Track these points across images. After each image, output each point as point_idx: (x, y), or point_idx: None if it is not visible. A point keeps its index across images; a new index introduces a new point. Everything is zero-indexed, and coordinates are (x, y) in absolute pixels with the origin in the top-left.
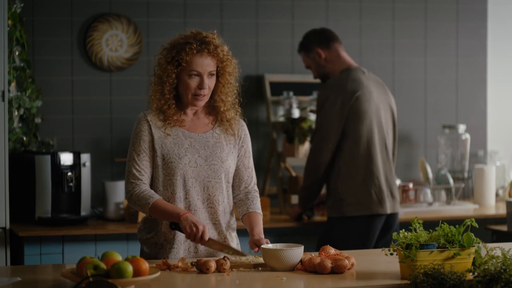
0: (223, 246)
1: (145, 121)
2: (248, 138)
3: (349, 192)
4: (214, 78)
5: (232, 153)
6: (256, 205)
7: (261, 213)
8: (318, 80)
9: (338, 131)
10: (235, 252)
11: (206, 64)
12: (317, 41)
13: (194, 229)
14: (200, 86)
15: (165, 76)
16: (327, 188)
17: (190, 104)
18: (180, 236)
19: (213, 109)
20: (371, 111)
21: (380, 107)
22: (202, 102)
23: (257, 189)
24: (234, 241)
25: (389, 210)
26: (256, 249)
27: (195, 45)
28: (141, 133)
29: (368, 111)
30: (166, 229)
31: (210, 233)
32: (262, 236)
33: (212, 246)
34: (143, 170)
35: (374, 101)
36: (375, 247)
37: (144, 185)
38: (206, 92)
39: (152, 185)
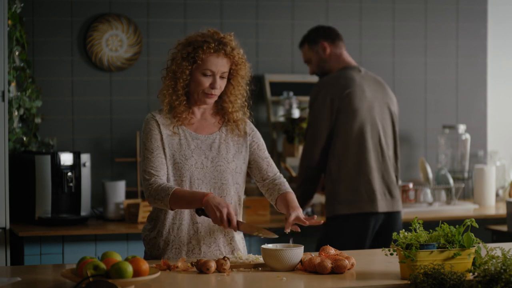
0: (254, 228)
1: (153, 121)
2: (258, 134)
3: (340, 191)
4: (225, 79)
5: (240, 152)
6: (285, 185)
7: (293, 192)
8: (318, 80)
9: (328, 128)
10: (266, 233)
11: (220, 64)
12: (324, 35)
13: (218, 213)
14: (212, 85)
15: (179, 72)
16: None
17: (198, 102)
18: (183, 237)
19: (220, 109)
20: (363, 109)
21: (375, 105)
22: (211, 100)
23: (281, 175)
24: (241, 243)
25: (383, 209)
26: (295, 226)
27: (213, 45)
28: (151, 132)
29: (360, 109)
30: (169, 229)
31: (213, 235)
32: (300, 211)
33: (243, 229)
34: (159, 167)
35: (367, 100)
36: (374, 246)
37: (160, 179)
38: (217, 92)
39: None
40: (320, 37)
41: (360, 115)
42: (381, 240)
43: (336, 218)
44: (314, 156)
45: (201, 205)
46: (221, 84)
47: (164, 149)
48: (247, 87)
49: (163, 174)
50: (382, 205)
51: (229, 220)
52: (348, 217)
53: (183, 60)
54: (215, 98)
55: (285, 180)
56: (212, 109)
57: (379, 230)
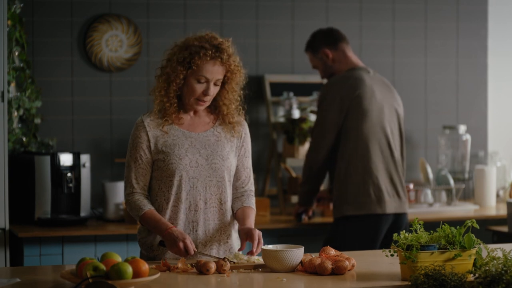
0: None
1: (142, 127)
2: (248, 138)
3: (348, 191)
4: (219, 86)
5: (233, 151)
6: (251, 201)
7: (255, 209)
8: (318, 80)
9: (335, 129)
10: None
11: (216, 72)
12: (325, 41)
13: (176, 248)
14: (205, 92)
15: (173, 76)
16: (331, 188)
17: (189, 107)
18: None
19: (214, 109)
20: (372, 110)
21: (384, 107)
22: (202, 107)
23: (253, 189)
24: (235, 243)
25: (391, 210)
26: (244, 243)
27: (210, 52)
28: (137, 139)
29: (370, 110)
30: None
31: (209, 234)
32: (253, 227)
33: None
34: (139, 178)
35: (377, 101)
36: (382, 247)
37: (137, 194)
38: (209, 99)
39: (154, 187)
40: (321, 43)
41: (370, 116)
42: (388, 242)
43: (344, 218)
44: (318, 157)
45: (162, 237)
46: (214, 91)
47: (152, 155)
48: (241, 92)
49: (142, 186)
50: (390, 207)
51: (188, 252)
52: (357, 218)
53: (178, 64)
54: (206, 105)
55: (253, 194)
56: (206, 108)
57: (386, 232)
